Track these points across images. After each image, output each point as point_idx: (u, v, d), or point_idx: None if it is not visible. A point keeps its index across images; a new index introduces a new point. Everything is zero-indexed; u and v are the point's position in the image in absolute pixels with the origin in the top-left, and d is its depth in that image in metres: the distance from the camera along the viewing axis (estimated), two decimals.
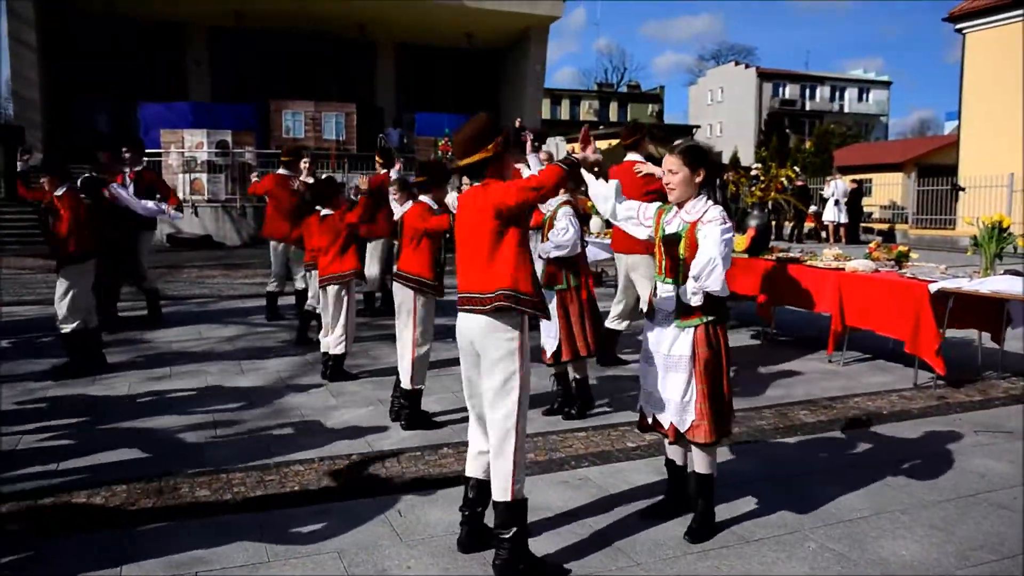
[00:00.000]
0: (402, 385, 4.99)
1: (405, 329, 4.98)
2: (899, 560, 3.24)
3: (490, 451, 3.14)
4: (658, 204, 3.58)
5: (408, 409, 4.97)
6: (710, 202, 3.37)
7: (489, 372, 3.09)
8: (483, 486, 3.23)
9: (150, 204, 7.92)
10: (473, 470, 3.28)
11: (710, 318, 3.33)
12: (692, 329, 3.33)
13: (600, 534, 3.44)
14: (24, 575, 3.08)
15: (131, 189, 7.91)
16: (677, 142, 3.50)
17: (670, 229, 3.41)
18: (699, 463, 3.46)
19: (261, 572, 3.10)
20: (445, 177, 5.21)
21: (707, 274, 3.17)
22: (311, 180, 8.10)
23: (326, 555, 3.24)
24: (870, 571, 3.15)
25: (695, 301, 3.27)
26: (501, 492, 3.07)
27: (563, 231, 4.95)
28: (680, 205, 3.43)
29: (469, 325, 3.13)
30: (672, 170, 3.39)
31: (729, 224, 3.29)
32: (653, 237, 3.54)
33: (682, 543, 3.35)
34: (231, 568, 3.12)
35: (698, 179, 3.36)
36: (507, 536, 3.05)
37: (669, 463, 3.69)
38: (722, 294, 3.24)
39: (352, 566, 3.16)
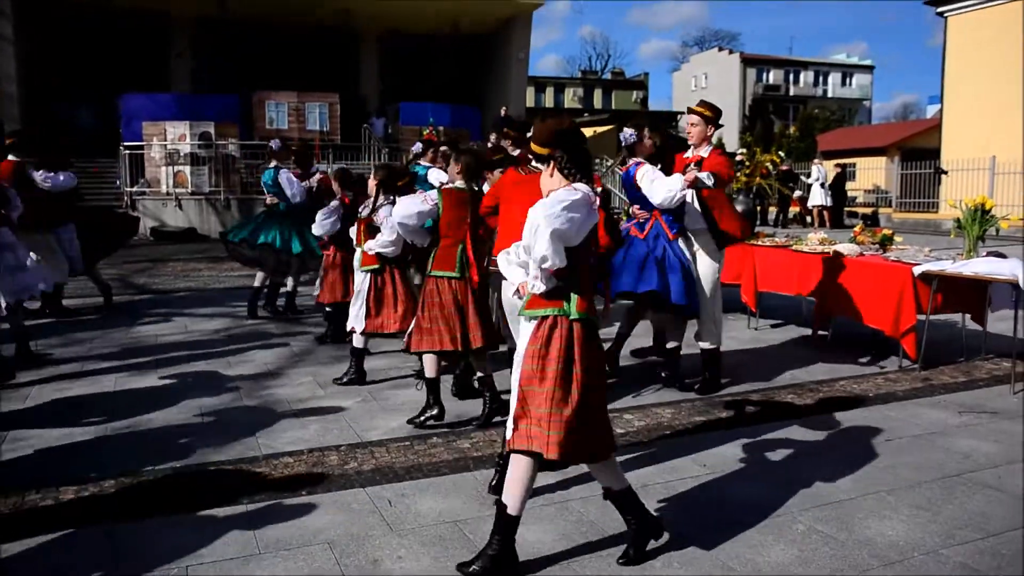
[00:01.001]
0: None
1: None
2: (885, 540, 3.27)
3: None
4: None
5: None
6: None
7: None
8: None
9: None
10: None
11: (556, 311, 2.90)
12: (536, 321, 2.93)
13: (590, 521, 3.46)
14: (14, 573, 3.06)
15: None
16: None
17: None
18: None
19: (252, 564, 3.10)
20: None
21: (533, 239, 2.79)
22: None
23: (317, 546, 3.24)
24: (857, 551, 3.18)
25: (538, 288, 2.88)
26: None
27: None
28: None
29: None
30: None
31: (573, 194, 2.86)
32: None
33: (671, 528, 3.35)
34: (221, 561, 3.11)
35: (550, 173, 3.03)
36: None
37: (605, 491, 3.18)
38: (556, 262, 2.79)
39: (343, 556, 3.16)
